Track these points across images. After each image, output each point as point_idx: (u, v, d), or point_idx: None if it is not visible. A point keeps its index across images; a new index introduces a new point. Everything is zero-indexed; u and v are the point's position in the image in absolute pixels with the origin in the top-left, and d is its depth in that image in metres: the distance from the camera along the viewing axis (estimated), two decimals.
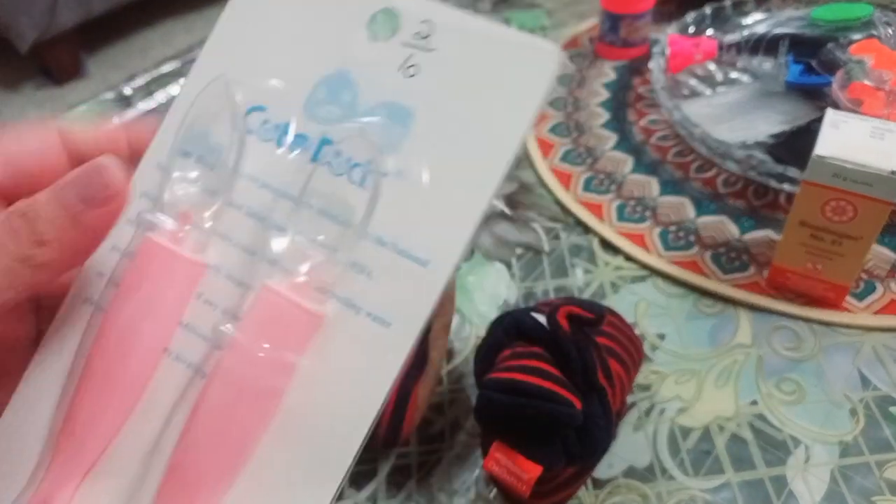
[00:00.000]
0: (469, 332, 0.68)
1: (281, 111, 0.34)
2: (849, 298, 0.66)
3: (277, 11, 0.36)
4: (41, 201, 0.30)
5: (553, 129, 0.90)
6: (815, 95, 0.84)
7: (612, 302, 0.69)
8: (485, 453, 0.50)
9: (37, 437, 0.33)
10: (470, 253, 0.75)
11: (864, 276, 0.68)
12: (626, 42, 0.98)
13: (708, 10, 0.95)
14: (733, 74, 0.92)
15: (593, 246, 0.75)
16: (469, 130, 0.32)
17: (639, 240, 0.74)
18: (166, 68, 1.13)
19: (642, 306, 0.68)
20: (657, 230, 0.75)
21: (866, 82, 0.73)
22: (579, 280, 0.72)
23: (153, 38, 1.30)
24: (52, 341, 0.35)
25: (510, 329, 0.52)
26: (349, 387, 0.31)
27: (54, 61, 1.16)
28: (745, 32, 0.88)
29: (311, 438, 0.31)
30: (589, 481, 0.56)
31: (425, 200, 0.31)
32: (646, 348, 0.64)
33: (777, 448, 0.57)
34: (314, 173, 0.33)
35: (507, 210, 0.80)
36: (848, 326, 0.65)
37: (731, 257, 0.71)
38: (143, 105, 1.06)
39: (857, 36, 0.82)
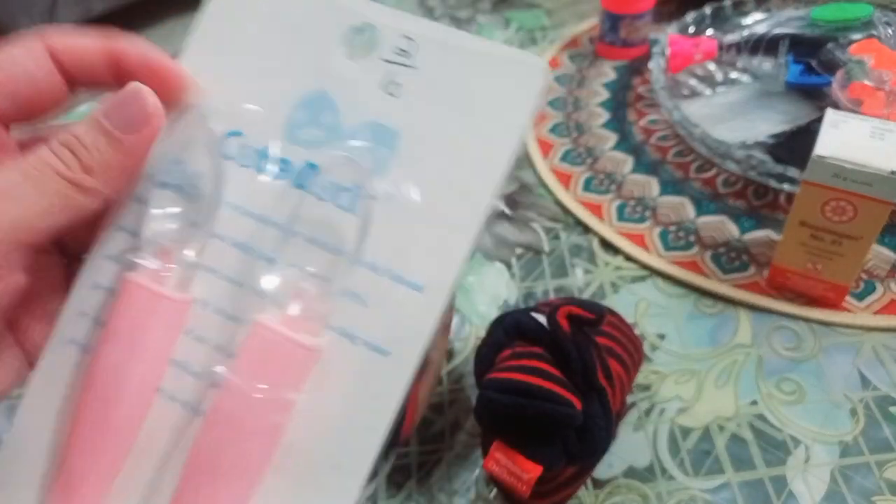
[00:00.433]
0: (469, 332, 0.68)
1: (259, 135, 0.33)
2: (849, 298, 0.66)
3: (250, 29, 0.34)
4: (81, 131, 0.31)
5: (553, 130, 0.90)
6: (815, 95, 0.84)
7: (612, 302, 0.69)
8: (485, 453, 0.50)
9: (30, 486, 0.32)
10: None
11: (864, 276, 0.68)
12: (626, 42, 0.98)
13: (708, 10, 0.95)
14: (733, 74, 0.92)
15: (593, 246, 0.75)
16: (457, 150, 0.31)
17: (639, 240, 0.74)
18: None
19: (642, 306, 0.68)
20: (657, 230, 0.75)
21: (866, 82, 0.73)
22: (579, 280, 0.72)
23: (153, 37, 1.29)
24: (39, 384, 0.34)
25: (510, 329, 0.52)
26: (351, 419, 0.30)
27: None
28: (745, 32, 0.88)
29: (315, 474, 0.30)
30: (589, 481, 0.56)
31: (417, 223, 0.31)
32: (646, 348, 0.64)
33: (777, 448, 0.57)
34: (300, 200, 0.32)
35: (507, 210, 0.80)
36: (848, 326, 0.65)
37: (731, 257, 0.71)
38: None
39: (857, 36, 0.82)
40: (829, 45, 0.81)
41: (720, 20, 0.95)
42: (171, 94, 0.33)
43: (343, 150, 0.32)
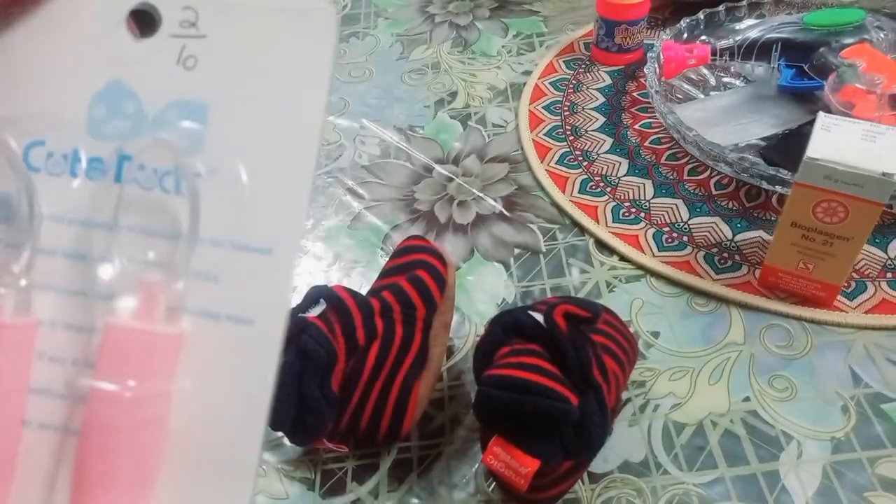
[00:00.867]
0: (468, 330, 0.69)
1: (63, 139, 0.31)
2: (840, 298, 0.67)
3: (23, 33, 0.32)
4: None
5: (549, 133, 0.91)
6: (807, 99, 0.85)
7: (608, 301, 0.70)
8: (484, 448, 0.51)
9: None
10: (469, 253, 0.76)
11: (855, 275, 0.69)
12: (622, 48, 0.99)
13: (701, 15, 0.96)
14: (726, 79, 0.93)
15: (589, 246, 0.76)
16: (267, 109, 0.30)
17: (633, 240, 0.75)
18: None
19: (637, 305, 0.69)
20: (651, 231, 0.76)
21: (858, 86, 0.74)
22: (575, 280, 0.73)
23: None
24: None
25: (508, 327, 0.53)
26: (232, 393, 0.30)
27: None
28: (739, 38, 0.90)
29: (209, 453, 0.30)
30: (585, 475, 0.57)
31: (248, 189, 0.30)
32: (640, 346, 0.65)
33: (770, 444, 0.58)
34: (122, 193, 0.31)
35: (505, 212, 0.81)
36: (840, 325, 0.66)
37: (723, 257, 0.72)
38: None
39: (848, 40, 0.83)
40: (822, 50, 0.83)
41: (714, 26, 0.96)
42: None
43: (153, 134, 0.31)
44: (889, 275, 0.69)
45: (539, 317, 0.51)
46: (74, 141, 0.31)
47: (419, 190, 0.86)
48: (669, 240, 0.74)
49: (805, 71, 0.84)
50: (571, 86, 0.99)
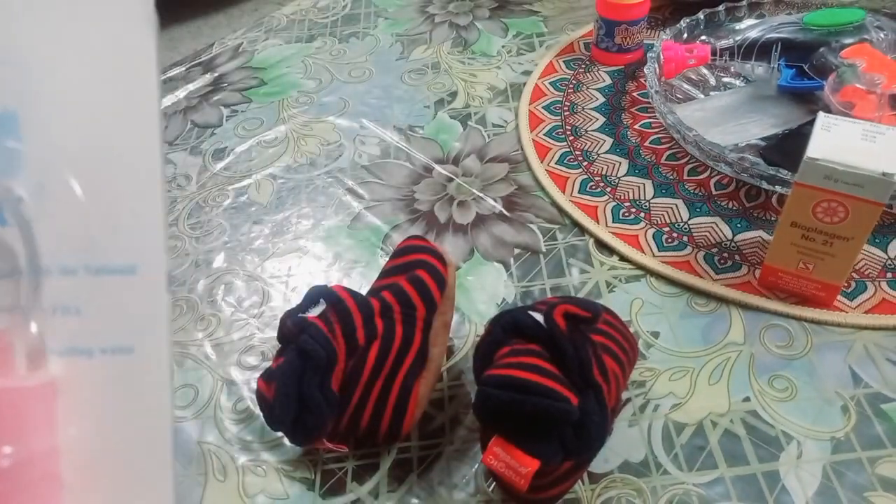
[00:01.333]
0: (468, 330, 0.69)
1: None
2: (840, 298, 0.67)
3: None
4: None
5: (549, 133, 0.91)
6: (807, 99, 0.85)
7: (608, 301, 0.70)
8: (484, 448, 0.51)
9: None
10: (469, 253, 0.76)
11: (855, 275, 0.69)
12: (622, 48, 0.99)
13: (701, 15, 0.96)
14: (726, 79, 0.93)
15: (589, 246, 0.76)
16: (92, 109, 0.26)
17: (633, 240, 0.75)
18: (173, 73, 1.14)
19: (637, 305, 0.69)
20: (651, 231, 0.76)
21: (858, 86, 0.74)
22: (575, 280, 0.73)
23: (159, 43, 1.30)
24: None
25: (508, 327, 0.53)
26: (127, 429, 0.27)
27: None
28: (739, 37, 0.90)
29: (117, 497, 0.27)
30: (585, 475, 0.57)
31: (88, 204, 0.26)
32: (640, 346, 0.65)
33: (770, 444, 0.58)
34: None
35: (505, 212, 0.81)
36: (840, 325, 0.66)
37: (723, 257, 0.72)
38: None
39: (848, 40, 0.83)
40: (822, 50, 0.83)
41: (714, 26, 0.96)
42: None
43: None
44: (889, 275, 0.69)
45: (539, 317, 0.51)
46: None
47: (419, 190, 0.86)
48: (669, 240, 0.75)
49: (805, 71, 0.84)
50: (571, 86, 0.99)
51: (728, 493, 0.55)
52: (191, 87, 1.10)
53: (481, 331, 0.69)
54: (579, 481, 0.56)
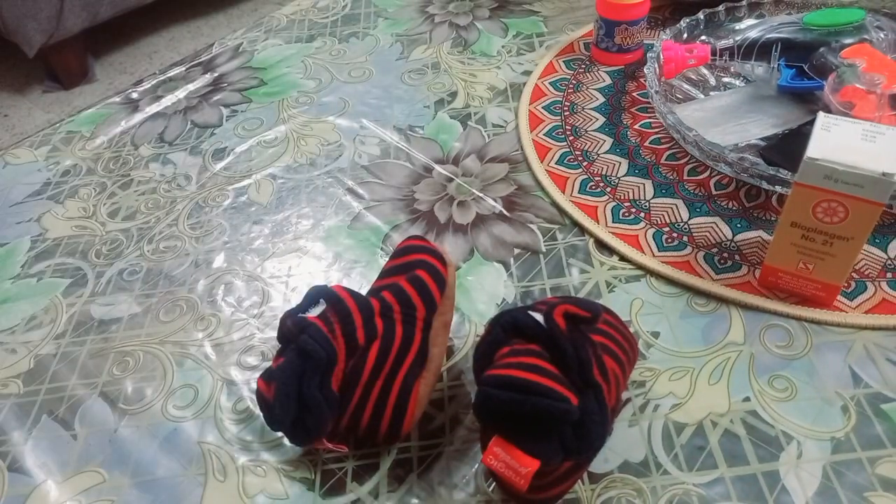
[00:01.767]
0: (468, 330, 0.69)
1: None
2: (840, 298, 0.67)
3: None
4: None
5: (549, 133, 0.91)
6: (806, 99, 0.85)
7: (608, 301, 0.70)
8: (484, 448, 0.51)
9: None
10: (469, 253, 0.76)
11: (855, 275, 0.69)
12: (621, 48, 0.99)
13: (701, 15, 0.96)
14: (726, 79, 0.93)
15: (589, 246, 0.76)
16: None
17: (633, 241, 0.75)
18: (173, 73, 1.14)
19: (637, 305, 0.69)
20: (651, 231, 0.76)
21: (858, 86, 0.74)
22: (575, 280, 0.73)
23: (159, 43, 1.30)
24: None
25: (508, 327, 0.53)
26: None
27: (61, 66, 1.17)
28: (739, 37, 0.90)
29: None
30: (585, 475, 0.57)
31: None
32: (640, 346, 0.65)
33: (770, 444, 0.58)
34: None
35: (505, 212, 0.81)
36: (840, 325, 0.66)
37: (723, 257, 0.72)
38: (151, 108, 1.07)
39: (848, 40, 0.83)
40: (821, 50, 0.83)
41: (713, 26, 0.96)
42: None
43: None
44: (889, 275, 0.69)
45: (539, 317, 0.51)
46: None
47: (419, 190, 0.86)
48: (669, 240, 0.75)
49: (805, 71, 0.84)
50: (571, 86, 0.99)
51: (728, 493, 0.55)
52: (191, 87, 1.10)
53: (481, 331, 0.69)
54: (579, 481, 0.56)
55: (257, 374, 0.68)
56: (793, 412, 0.60)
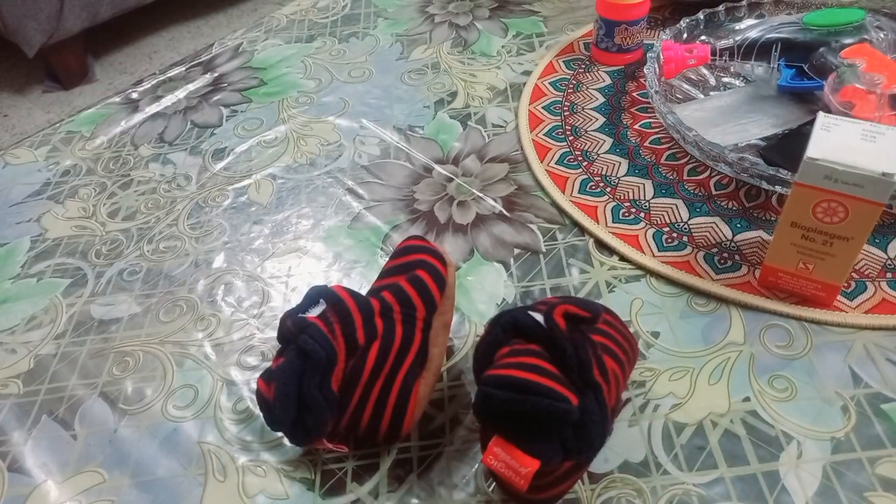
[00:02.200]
0: (468, 330, 0.69)
1: None
2: (840, 298, 0.67)
3: None
4: None
5: (549, 133, 0.91)
6: (806, 99, 0.85)
7: (608, 301, 0.70)
8: (484, 448, 0.51)
9: None
10: (469, 253, 0.76)
11: (855, 275, 0.69)
12: (621, 48, 0.99)
13: (701, 15, 0.96)
14: (726, 79, 0.93)
15: (589, 246, 0.76)
16: None
17: (633, 241, 0.75)
18: (173, 73, 1.14)
19: (637, 305, 0.69)
20: (651, 231, 0.76)
21: (858, 86, 0.74)
22: (575, 280, 0.73)
23: (159, 43, 1.30)
24: None
25: (508, 327, 0.53)
26: None
27: (61, 66, 1.17)
28: (738, 37, 0.90)
29: None
30: (585, 475, 0.57)
31: None
32: (640, 346, 0.65)
33: (770, 444, 0.58)
34: None
35: (505, 212, 0.81)
36: (840, 325, 0.66)
37: (723, 257, 0.72)
38: (151, 108, 1.07)
39: (848, 40, 0.83)
40: (821, 50, 0.83)
41: (713, 26, 0.96)
42: None
43: None
44: (889, 275, 0.69)
45: (539, 317, 0.51)
46: None
47: (419, 190, 0.86)
48: (669, 240, 0.75)
49: (805, 71, 0.84)
50: (571, 86, 0.99)
51: (728, 493, 0.55)
52: (191, 87, 1.10)
53: (481, 331, 0.69)
54: (579, 481, 0.56)
55: (257, 374, 0.68)
56: (793, 412, 0.60)
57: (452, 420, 0.62)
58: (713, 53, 0.90)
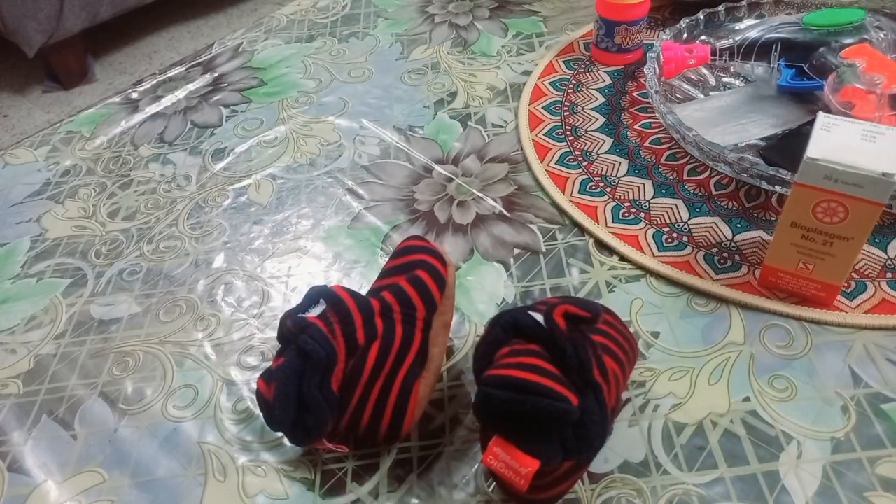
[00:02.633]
0: (468, 330, 0.69)
1: None
2: (840, 298, 0.67)
3: None
4: None
5: (549, 133, 0.91)
6: (806, 99, 0.85)
7: (608, 301, 0.70)
8: (484, 448, 0.51)
9: None
10: (469, 253, 0.76)
11: (855, 275, 0.69)
12: (621, 48, 0.99)
13: (701, 15, 0.96)
14: (726, 79, 0.93)
15: (589, 247, 0.76)
16: None
17: (633, 241, 0.75)
18: (173, 73, 1.14)
19: (637, 305, 0.69)
20: (651, 231, 0.76)
21: (858, 86, 0.74)
22: (575, 280, 0.73)
23: (159, 43, 1.30)
24: None
25: (508, 327, 0.53)
26: None
27: (61, 66, 1.17)
28: (738, 38, 0.90)
29: None
30: (585, 475, 0.57)
31: None
32: (640, 346, 0.65)
33: (770, 444, 0.58)
34: None
35: (504, 212, 0.81)
36: (840, 325, 0.66)
37: (723, 257, 0.72)
38: (151, 108, 1.07)
39: (848, 40, 0.83)
40: (821, 50, 0.83)
41: (713, 26, 0.96)
42: None
43: None
44: (889, 275, 0.69)
45: (539, 317, 0.51)
46: None
47: (419, 190, 0.86)
48: (669, 240, 0.75)
49: (805, 71, 0.84)
50: (571, 86, 0.99)
51: (728, 493, 0.55)
52: (191, 87, 1.10)
53: (481, 331, 0.69)
54: (579, 481, 0.56)
55: (257, 375, 0.68)
56: (793, 412, 0.60)
57: (452, 420, 0.62)
58: (713, 53, 0.90)
